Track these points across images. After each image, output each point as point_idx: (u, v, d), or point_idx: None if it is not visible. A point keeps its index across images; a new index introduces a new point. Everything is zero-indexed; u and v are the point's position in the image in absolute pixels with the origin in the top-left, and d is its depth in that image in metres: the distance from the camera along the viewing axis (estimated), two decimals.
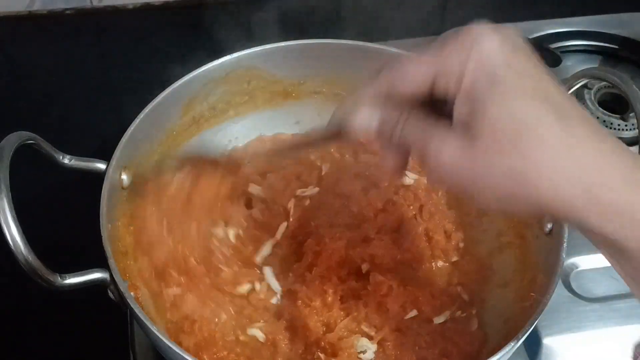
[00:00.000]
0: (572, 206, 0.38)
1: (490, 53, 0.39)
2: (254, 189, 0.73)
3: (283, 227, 0.71)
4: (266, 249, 0.69)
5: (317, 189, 0.74)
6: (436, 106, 0.43)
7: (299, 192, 0.73)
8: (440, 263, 0.70)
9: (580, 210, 0.38)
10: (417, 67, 0.42)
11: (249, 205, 0.73)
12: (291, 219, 0.71)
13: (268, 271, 0.68)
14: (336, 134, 0.47)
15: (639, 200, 0.37)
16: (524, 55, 0.40)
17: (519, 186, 0.39)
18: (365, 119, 0.44)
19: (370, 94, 0.44)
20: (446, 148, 0.41)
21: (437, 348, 0.61)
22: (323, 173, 0.75)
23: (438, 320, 0.64)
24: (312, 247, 0.67)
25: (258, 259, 0.68)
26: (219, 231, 0.68)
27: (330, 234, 0.67)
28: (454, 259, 0.70)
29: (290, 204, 0.72)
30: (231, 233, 0.69)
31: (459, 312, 0.65)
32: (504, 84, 0.38)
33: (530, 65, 0.40)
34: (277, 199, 0.72)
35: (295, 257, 0.69)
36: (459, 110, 0.40)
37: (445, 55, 0.40)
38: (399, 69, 0.42)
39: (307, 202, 0.72)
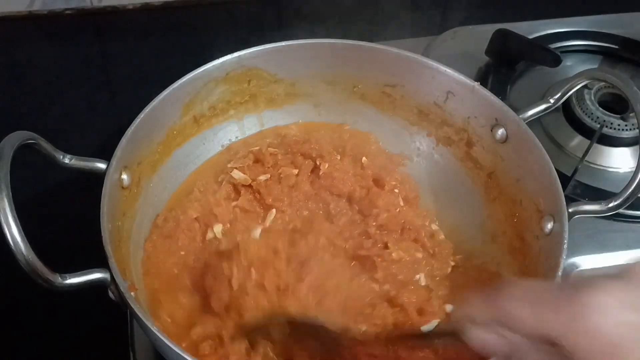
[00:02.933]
0: None
1: (612, 321, 0.36)
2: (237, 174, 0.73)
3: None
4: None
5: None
6: None
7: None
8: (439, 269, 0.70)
9: None
10: (526, 317, 0.39)
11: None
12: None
13: None
14: (452, 334, 0.46)
15: None
16: None
17: None
18: (484, 338, 0.43)
19: (487, 315, 0.42)
20: None
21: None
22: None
23: (426, 328, 0.64)
24: None
25: None
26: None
27: None
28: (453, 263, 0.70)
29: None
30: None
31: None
32: None
33: None
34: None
35: None
36: None
37: (553, 316, 0.38)
38: (513, 312, 0.40)
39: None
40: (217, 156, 0.78)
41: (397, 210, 0.72)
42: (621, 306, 0.36)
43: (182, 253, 0.69)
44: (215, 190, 0.73)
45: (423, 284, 0.68)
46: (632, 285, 0.37)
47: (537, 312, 0.39)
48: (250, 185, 0.73)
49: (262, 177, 0.73)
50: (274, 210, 0.72)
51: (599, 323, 0.36)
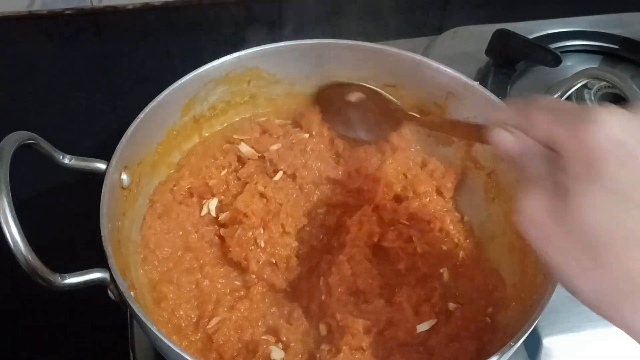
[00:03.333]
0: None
1: (603, 136, 0.39)
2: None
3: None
4: None
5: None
6: None
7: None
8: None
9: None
10: (541, 122, 0.44)
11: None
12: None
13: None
14: (481, 132, 0.51)
15: None
16: None
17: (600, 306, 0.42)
18: (504, 136, 0.47)
19: (509, 117, 0.47)
20: (536, 203, 0.43)
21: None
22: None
23: (421, 328, 0.64)
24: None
25: None
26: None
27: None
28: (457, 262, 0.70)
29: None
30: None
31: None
32: (600, 176, 0.39)
33: None
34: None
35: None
36: (562, 179, 0.41)
37: (562, 124, 0.42)
38: (533, 117, 0.45)
39: None
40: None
41: (428, 199, 0.74)
42: (619, 128, 0.40)
43: (181, 233, 0.69)
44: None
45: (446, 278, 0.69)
46: (638, 117, 0.41)
47: (551, 119, 0.43)
48: (262, 157, 0.74)
49: (274, 147, 0.74)
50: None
51: (592, 135, 0.40)
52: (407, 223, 0.71)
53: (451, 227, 0.72)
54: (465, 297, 0.67)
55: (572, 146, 0.40)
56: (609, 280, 0.40)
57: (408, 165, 0.75)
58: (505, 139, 0.46)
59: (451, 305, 0.66)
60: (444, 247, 0.70)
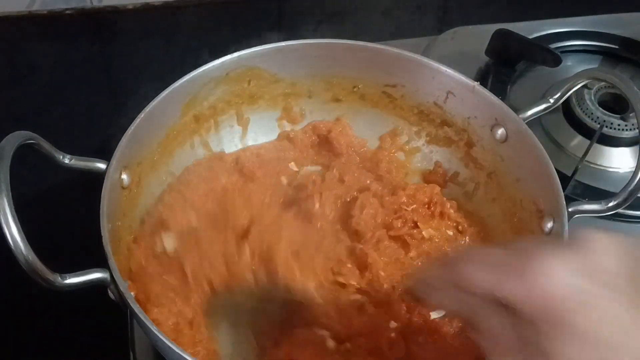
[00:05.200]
0: None
1: (559, 285, 0.37)
2: None
3: None
4: None
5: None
6: None
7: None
8: None
9: None
10: (484, 276, 0.41)
11: None
12: None
13: None
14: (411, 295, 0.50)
15: None
16: (607, 285, 0.37)
17: None
18: (443, 300, 0.45)
19: (443, 277, 0.44)
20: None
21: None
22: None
23: (434, 315, 0.64)
24: None
25: None
26: None
27: None
28: None
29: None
30: None
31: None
32: (575, 329, 0.36)
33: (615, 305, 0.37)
34: None
35: None
36: (522, 332, 0.39)
37: (506, 280, 0.39)
38: (469, 275, 0.42)
39: None
40: None
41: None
42: (570, 272, 0.37)
43: None
44: None
45: None
46: (582, 253, 0.38)
47: (491, 275, 0.40)
48: None
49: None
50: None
51: (548, 286, 0.37)
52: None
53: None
54: None
55: (528, 301, 0.38)
56: None
57: None
58: (445, 300, 0.44)
59: (434, 314, 0.65)
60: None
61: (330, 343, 0.61)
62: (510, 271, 0.39)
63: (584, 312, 0.36)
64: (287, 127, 0.81)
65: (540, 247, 0.39)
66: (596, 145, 0.80)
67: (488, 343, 0.41)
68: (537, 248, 0.40)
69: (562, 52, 0.91)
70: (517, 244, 0.42)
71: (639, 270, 0.38)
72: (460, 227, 0.72)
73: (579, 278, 0.37)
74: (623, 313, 0.36)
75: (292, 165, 0.77)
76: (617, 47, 0.95)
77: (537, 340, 0.38)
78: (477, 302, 0.41)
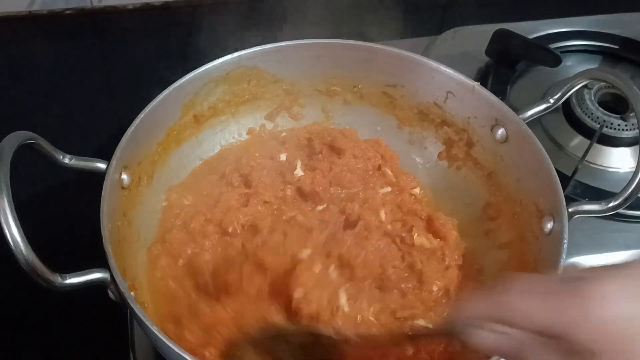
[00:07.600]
0: None
1: (616, 311, 0.35)
2: None
3: None
4: None
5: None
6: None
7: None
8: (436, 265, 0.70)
9: None
10: (532, 310, 0.38)
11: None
12: None
13: None
14: (449, 333, 0.46)
15: None
16: None
17: None
18: (487, 339, 0.41)
19: (485, 312, 0.41)
20: None
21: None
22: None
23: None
24: None
25: None
26: None
27: None
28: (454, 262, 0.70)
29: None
30: None
31: None
32: (635, 356, 0.35)
33: None
34: None
35: None
36: None
37: (559, 308, 0.37)
38: (517, 306, 0.39)
39: None
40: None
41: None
42: (624, 296, 0.36)
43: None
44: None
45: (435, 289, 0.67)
46: (634, 275, 0.37)
47: (542, 305, 0.38)
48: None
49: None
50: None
51: (604, 314, 0.36)
52: None
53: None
54: None
55: (584, 331, 0.36)
56: None
57: None
58: (490, 340, 0.40)
59: (420, 321, 0.65)
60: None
61: None
62: (564, 298, 0.37)
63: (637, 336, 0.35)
64: (287, 127, 0.81)
65: (590, 272, 0.38)
66: (596, 145, 0.80)
67: None
68: (587, 273, 0.38)
69: (562, 52, 0.91)
70: (564, 270, 0.40)
71: None
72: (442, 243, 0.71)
73: (635, 303, 0.36)
74: None
75: (298, 171, 0.76)
76: (617, 47, 0.95)
77: None
78: (524, 336, 0.39)
